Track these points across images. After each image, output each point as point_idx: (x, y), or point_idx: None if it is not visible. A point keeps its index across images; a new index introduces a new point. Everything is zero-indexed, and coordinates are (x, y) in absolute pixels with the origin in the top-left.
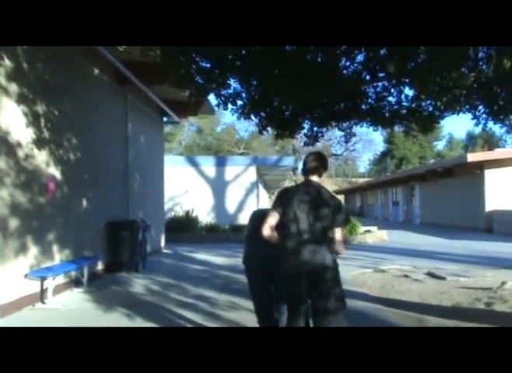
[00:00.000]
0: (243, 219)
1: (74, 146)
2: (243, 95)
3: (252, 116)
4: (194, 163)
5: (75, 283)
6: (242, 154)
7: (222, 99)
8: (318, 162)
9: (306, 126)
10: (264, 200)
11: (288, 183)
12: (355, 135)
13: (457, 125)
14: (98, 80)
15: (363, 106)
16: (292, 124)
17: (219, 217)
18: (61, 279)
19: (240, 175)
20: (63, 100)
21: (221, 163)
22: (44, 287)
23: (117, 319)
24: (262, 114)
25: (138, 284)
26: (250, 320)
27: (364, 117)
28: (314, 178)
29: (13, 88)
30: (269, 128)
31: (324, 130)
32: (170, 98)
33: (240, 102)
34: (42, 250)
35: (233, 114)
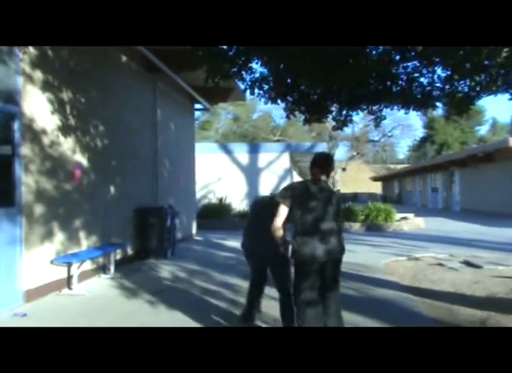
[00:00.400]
0: None
1: (101, 133)
2: (270, 79)
3: (279, 101)
4: (227, 150)
5: (103, 269)
6: (278, 141)
7: (248, 83)
8: (326, 163)
9: (335, 110)
10: None
11: None
12: (385, 119)
13: (501, 109)
14: (126, 67)
15: (394, 88)
16: (320, 108)
17: None
18: (88, 265)
19: (274, 162)
20: (89, 87)
21: (254, 150)
22: (71, 274)
23: (139, 306)
24: (289, 98)
25: (165, 271)
26: (271, 307)
27: (395, 100)
28: (323, 177)
29: (38, 75)
30: (297, 113)
31: (354, 113)
32: (200, 85)
33: (266, 87)
34: (69, 236)
35: (260, 99)
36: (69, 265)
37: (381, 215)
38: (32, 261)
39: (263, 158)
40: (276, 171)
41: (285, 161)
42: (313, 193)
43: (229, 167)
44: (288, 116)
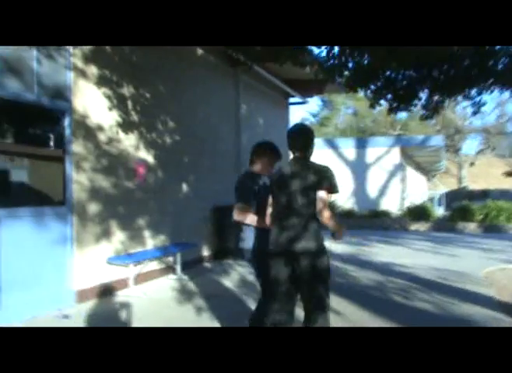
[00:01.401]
0: (386, 204)
1: (171, 129)
2: (350, 64)
3: (359, 90)
4: (332, 145)
5: (173, 269)
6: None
7: (325, 70)
8: (293, 137)
9: (424, 96)
10: (418, 184)
11: (443, 165)
12: (485, 104)
13: None
14: (202, 60)
15: (495, 66)
16: (408, 95)
17: (360, 202)
18: (155, 265)
19: (383, 157)
20: (156, 82)
21: (361, 145)
22: (134, 274)
23: (184, 312)
24: (371, 86)
25: (236, 273)
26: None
27: (497, 80)
28: (297, 155)
29: (92, 70)
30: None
31: (446, 99)
32: (291, 77)
33: (346, 73)
34: (130, 236)
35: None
36: (126, 265)
37: (503, 215)
38: (85, 261)
39: (371, 153)
40: (385, 166)
41: (395, 155)
42: (284, 176)
43: (334, 163)
44: (372, 106)
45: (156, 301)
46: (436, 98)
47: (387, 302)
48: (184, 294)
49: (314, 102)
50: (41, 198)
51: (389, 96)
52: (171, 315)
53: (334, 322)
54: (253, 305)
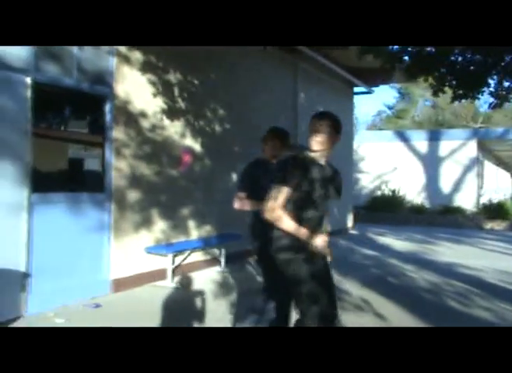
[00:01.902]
0: (460, 201)
1: (220, 117)
2: (410, 49)
3: (422, 76)
4: (403, 138)
5: (217, 262)
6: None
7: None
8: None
9: (493, 82)
10: (500, 180)
11: None
12: None
13: None
14: (255, 47)
15: None
16: (476, 80)
17: (431, 198)
18: (200, 256)
19: (457, 150)
20: (206, 69)
21: (434, 137)
22: (173, 264)
23: (213, 309)
24: (435, 73)
25: None
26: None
27: None
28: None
29: (136, 56)
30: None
31: None
32: (354, 65)
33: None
34: (172, 225)
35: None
36: (164, 255)
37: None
38: (122, 249)
39: (445, 146)
40: (460, 160)
41: (471, 149)
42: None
43: (405, 156)
44: (436, 94)
45: (192, 294)
46: (507, 84)
47: (441, 308)
48: (223, 288)
49: (390, 94)
50: (79, 184)
51: (454, 83)
52: (204, 309)
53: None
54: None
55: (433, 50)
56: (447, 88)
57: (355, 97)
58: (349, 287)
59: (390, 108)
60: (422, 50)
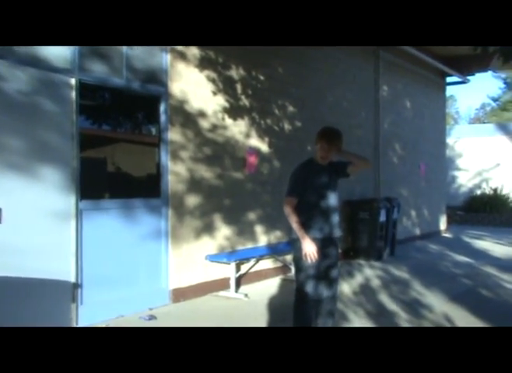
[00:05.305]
0: None
1: (290, 114)
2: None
3: None
4: (508, 131)
5: (289, 269)
6: None
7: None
8: None
9: None
10: None
11: None
12: None
13: None
14: None
15: None
16: None
17: None
18: (269, 264)
19: None
20: (273, 63)
21: None
22: (236, 273)
23: (270, 320)
24: None
25: (360, 277)
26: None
27: None
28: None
29: (193, 52)
30: None
31: None
32: (446, 53)
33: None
34: (237, 231)
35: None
36: (229, 263)
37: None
38: (181, 257)
39: None
40: None
41: None
42: None
43: (508, 150)
44: None
45: (255, 304)
46: None
47: None
48: (287, 298)
49: (496, 85)
50: (133, 189)
51: None
52: (265, 322)
53: None
54: (356, 319)
55: None
56: None
57: (451, 89)
58: (433, 300)
59: (495, 100)
60: None
